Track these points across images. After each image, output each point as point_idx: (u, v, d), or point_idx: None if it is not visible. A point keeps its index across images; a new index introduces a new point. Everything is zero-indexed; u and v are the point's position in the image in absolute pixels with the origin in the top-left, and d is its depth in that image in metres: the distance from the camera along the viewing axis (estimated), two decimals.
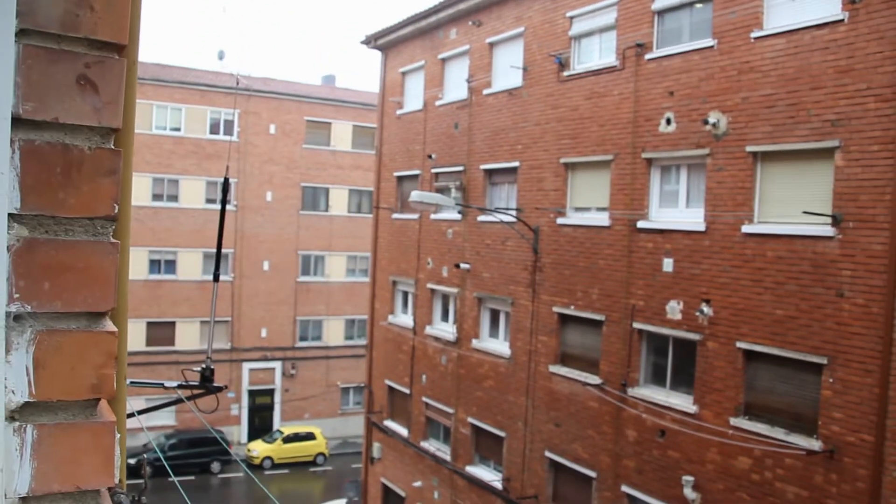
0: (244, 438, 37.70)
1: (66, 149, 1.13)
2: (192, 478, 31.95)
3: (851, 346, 11.19)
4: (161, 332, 36.30)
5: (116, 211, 1.17)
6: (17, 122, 1.09)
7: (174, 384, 5.18)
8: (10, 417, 1.14)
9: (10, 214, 1.10)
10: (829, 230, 11.54)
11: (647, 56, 15.05)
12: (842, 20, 11.58)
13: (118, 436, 1.27)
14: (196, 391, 4.97)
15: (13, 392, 1.13)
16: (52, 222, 1.14)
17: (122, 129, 1.20)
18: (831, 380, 11.46)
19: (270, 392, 39.24)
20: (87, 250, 1.16)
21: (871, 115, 11.08)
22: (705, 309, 13.51)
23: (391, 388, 24.07)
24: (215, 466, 34.29)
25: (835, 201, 11.52)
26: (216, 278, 5.34)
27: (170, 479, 27.97)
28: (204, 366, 5.01)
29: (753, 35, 12.91)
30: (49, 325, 1.15)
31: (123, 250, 1.30)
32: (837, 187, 11.50)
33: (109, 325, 1.19)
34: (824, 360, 11.54)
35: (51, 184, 1.12)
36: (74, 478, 1.17)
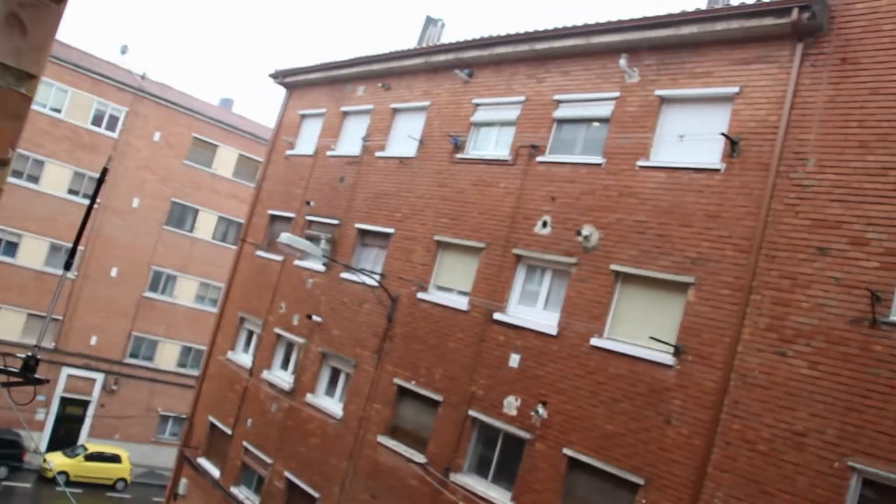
0: (43, 447, 35.30)
1: None
2: None
3: (669, 472, 11.64)
4: None
5: (10, 156, 1.13)
6: None
7: None
8: None
9: None
10: (669, 359, 12.09)
11: (539, 158, 15.60)
12: (718, 170, 12.40)
13: None
14: (14, 379, 4.59)
15: None
16: None
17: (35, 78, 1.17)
18: (644, 501, 11.84)
19: (85, 403, 37.03)
20: None
21: (728, 261, 11.82)
22: (541, 410, 13.79)
23: (213, 426, 23.22)
24: (1, 471, 31.77)
25: (680, 333, 12.12)
26: (67, 266, 5.07)
27: None
28: (30, 353, 4.67)
29: (639, 163, 13.63)
30: None
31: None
32: (685, 321, 12.12)
33: None
34: (641, 481, 11.94)
35: None
36: None
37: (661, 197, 13.12)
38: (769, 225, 11.49)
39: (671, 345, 12.10)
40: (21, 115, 1.09)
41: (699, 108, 13.30)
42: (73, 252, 4.85)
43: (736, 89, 12.61)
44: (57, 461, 33.14)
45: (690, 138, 13.24)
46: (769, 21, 12.19)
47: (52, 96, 35.54)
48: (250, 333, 23.41)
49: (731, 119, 12.56)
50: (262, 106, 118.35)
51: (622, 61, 14.34)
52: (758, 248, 11.49)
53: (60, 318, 35.57)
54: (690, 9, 13.46)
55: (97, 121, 36.83)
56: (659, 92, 13.83)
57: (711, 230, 12.22)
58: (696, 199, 12.59)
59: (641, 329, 12.78)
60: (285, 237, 17.57)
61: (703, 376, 11.63)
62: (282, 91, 25.72)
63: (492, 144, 17.18)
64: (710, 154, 12.75)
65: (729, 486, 10.91)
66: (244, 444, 21.25)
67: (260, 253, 23.73)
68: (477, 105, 17.70)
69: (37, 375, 4.63)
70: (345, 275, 19.47)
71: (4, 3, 1.04)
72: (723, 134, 12.45)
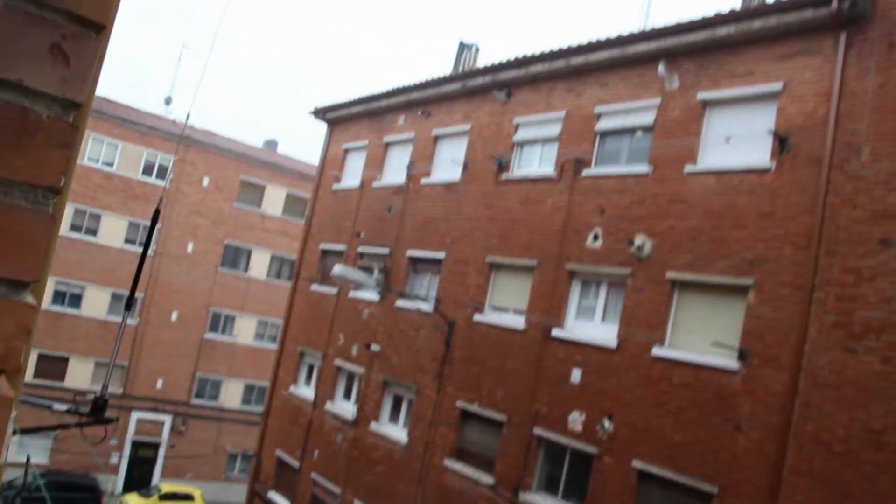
0: (119, 489, 35.94)
1: (23, 112, 1.11)
2: None
3: (742, 480, 11.38)
4: (52, 366, 34.80)
5: (61, 184, 1.15)
6: None
7: (63, 408, 4.88)
8: None
9: None
10: (734, 364, 11.86)
11: (585, 172, 15.52)
12: (769, 169, 12.19)
13: (13, 413, 1.22)
14: (85, 419, 4.71)
15: None
16: None
17: (82, 107, 1.19)
18: None
19: (155, 446, 37.66)
20: (24, 217, 1.13)
21: (786, 261, 11.58)
22: (606, 424, 13.62)
23: (280, 460, 23.39)
24: None
25: (743, 337, 11.88)
26: (128, 306, 5.18)
27: None
28: (98, 394, 4.77)
29: (687, 169, 13.47)
30: None
31: (56, 226, 1.27)
32: (747, 324, 11.88)
33: (29, 298, 1.16)
34: (715, 490, 11.69)
35: (0, 143, 1.10)
36: None
37: (711, 201, 12.94)
38: (827, 220, 11.24)
39: (735, 349, 11.87)
40: (69, 143, 1.11)
41: (743, 108, 13.11)
42: (132, 293, 4.96)
43: (780, 86, 12.41)
44: (133, 502, 33.61)
45: (737, 139, 13.06)
46: (808, 14, 11.99)
47: (103, 151, 36.56)
48: (311, 367, 23.59)
49: (778, 116, 12.36)
50: (306, 143, 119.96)
51: (660, 68, 14.24)
52: (817, 244, 11.24)
53: (126, 364, 36.31)
54: (725, 9, 13.32)
55: (147, 171, 37.72)
56: (701, 95, 13.68)
57: (767, 230, 11.99)
58: (748, 200, 12.39)
59: (703, 335, 12.57)
60: (338, 269, 17.72)
61: (770, 379, 11.37)
62: (324, 127, 26.06)
63: (536, 162, 17.16)
64: (758, 154, 12.55)
65: (806, 490, 10.61)
66: (312, 475, 21.35)
67: (314, 287, 23.95)
68: (518, 124, 17.71)
69: (106, 415, 4.74)
70: (400, 302, 19.55)
71: (47, 35, 1.06)
72: (770, 132, 12.25)
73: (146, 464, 37.49)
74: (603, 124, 15.60)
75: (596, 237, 14.85)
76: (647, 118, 14.63)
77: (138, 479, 36.95)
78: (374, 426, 19.49)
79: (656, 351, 13.12)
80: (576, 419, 14.22)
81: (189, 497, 35.15)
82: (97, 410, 4.76)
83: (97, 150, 36.30)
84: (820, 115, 11.74)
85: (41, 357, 34.45)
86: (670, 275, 13.27)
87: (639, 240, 13.91)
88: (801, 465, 10.74)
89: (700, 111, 13.70)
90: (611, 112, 15.48)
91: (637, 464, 12.93)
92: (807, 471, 10.67)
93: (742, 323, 12.00)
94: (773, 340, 11.47)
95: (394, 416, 19.38)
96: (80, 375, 35.24)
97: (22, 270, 1.14)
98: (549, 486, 14.83)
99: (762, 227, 12.07)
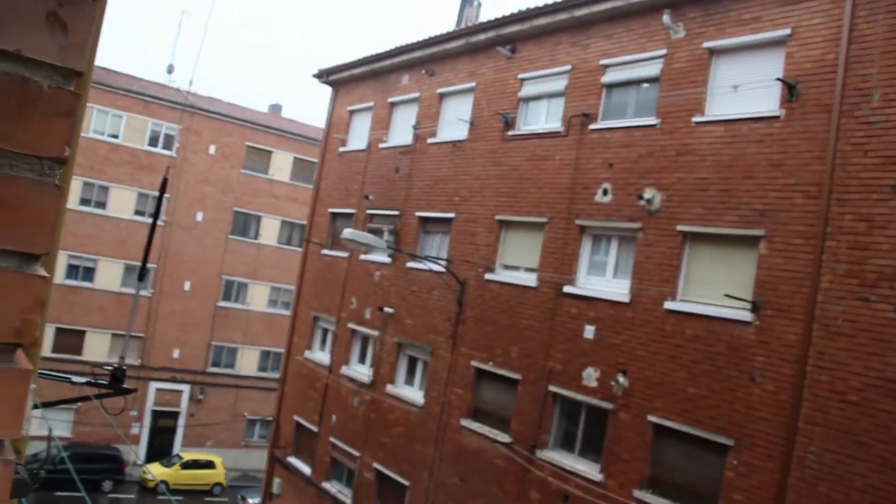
0: (141, 459, 36.47)
1: (24, 82, 1.09)
2: (81, 494, 30.65)
3: (758, 431, 11.43)
4: (69, 339, 35.14)
5: (66, 154, 1.14)
6: None
7: (83, 380, 4.93)
8: None
9: None
10: (747, 315, 11.85)
11: (592, 126, 15.40)
12: (778, 116, 12.07)
13: (32, 386, 1.22)
14: (104, 391, 4.76)
15: None
16: None
17: (83, 76, 1.18)
18: (735, 462, 11.66)
19: (175, 415, 38.15)
20: (30, 189, 1.12)
21: (798, 210, 11.51)
22: (621, 379, 13.67)
23: (299, 425, 23.63)
24: (107, 485, 32.98)
25: (755, 288, 11.86)
26: (141, 277, 5.20)
27: (56, 494, 26.92)
28: (116, 365, 4.81)
29: (695, 119, 13.35)
30: None
31: (63, 197, 1.26)
32: (759, 275, 11.85)
33: (41, 270, 1.15)
34: (730, 442, 11.76)
35: (2, 115, 1.09)
36: None
37: (721, 151, 12.84)
38: (837, 167, 11.14)
39: (748, 301, 11.86)
40: (72, 112, 1.09)
41: (751, 55, 12.94)
42: (143, 264, 4.97)
43: (787, 31, 12.24)
44: (156, 471, 34.18)
45: (745, 88, 12.91)
46: None
47: (108, 123, 36.49)
48: (325, 331, 23.72)
49: (786, 63, 12.20)
50: (311, 107, 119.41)
51: (665, 17, 14.05)
52: (828, 192, 11.16)
53: (142, 335, 36.61)
54: None
55: (153, 141, 37.66)
56: (707, 44, 13.51)
57: (777, 179, 11.91)
58: (757, 149, 12.28)
59: (715, 288, 12.55)
60: (348, 233, 17.70)
61: (784, 330, 11.37)
62: (328, 90, 25.90)
63: (542, 118, 17.03)
64: (767, 102, 12.42)
65: (822, 440, 10.66)
66: (331, 439, 21.59)
67: (325, 251, 23.99)
68: (523, 80, 17.55)
69: (125, 386, 4.77)
70: (411, 264, 19.57)
71: (43, 3, 1.04)
72: (778, 79, 12.11)
73: (166, 433, 38.00)
74: (609, 77, 15.45)
75: (605, 192, 14.79)
76: (654, 69, 14.48)
77: (159, 448, 37.49)
78: (390, 388, 19.63)
79: (669, 304, 13.12)
80: (590, 375, 14.28)
81: (210, 464, 35.70)
82: (116, 381, 4.80)
83: (102, 122, 36.27)
84: (829, 60, 11.58)
85: (58, 331, 34.80)
86: (681, 227, 13.22)
87: (648, 193, 13.85)
88: (817, 416, 10.77)
89: (707, 60, 13.54)
90: (616, 64, 15.32)
91: (652, 418, 13.00)
92: (822, 421, 10.70)
93: (754, 274, 11.97)
94: (786, 291, 11.44)
95: (409, 378, 19.51)
96: (98, 348, 35.58)
97: (32, 243, 1.13)
98: (566, 443, 14.95)
99: (772, 176, 11.98)
